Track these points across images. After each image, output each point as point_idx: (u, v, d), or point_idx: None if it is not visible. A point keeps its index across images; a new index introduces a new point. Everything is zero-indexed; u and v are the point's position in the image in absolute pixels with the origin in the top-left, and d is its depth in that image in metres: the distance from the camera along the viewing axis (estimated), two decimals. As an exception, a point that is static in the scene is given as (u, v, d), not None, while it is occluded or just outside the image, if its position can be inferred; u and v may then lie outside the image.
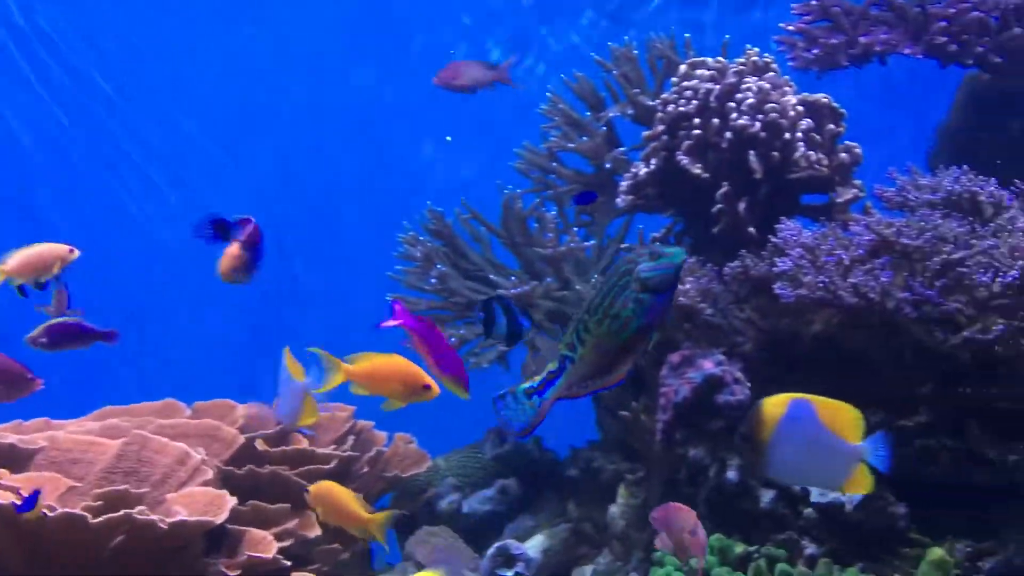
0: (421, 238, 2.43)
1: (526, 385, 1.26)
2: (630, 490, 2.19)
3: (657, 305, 1.24)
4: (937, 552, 1.76)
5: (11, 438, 1.80)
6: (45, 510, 1.52)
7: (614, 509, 2.16)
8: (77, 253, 1.92)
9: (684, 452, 2.00)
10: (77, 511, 1.54)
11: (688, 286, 2.06)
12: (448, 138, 6.51)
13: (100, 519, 1.54)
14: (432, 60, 3.07)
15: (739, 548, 1.85)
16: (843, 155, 2.24)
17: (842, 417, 1.45)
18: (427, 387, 1.59)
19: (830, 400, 1.47)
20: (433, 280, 2.36)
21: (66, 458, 1.82)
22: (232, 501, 1.72)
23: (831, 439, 1.43)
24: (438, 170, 6.64)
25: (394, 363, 1.63)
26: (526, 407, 1.26)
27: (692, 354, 2.00)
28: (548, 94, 2.53)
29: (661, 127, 2.25)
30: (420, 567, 2.09)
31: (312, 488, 1.81)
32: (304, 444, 2.13)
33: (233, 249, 1.64)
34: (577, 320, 1.26)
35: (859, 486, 1.46)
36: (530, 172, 2.54)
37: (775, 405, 1.45)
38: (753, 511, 1.93)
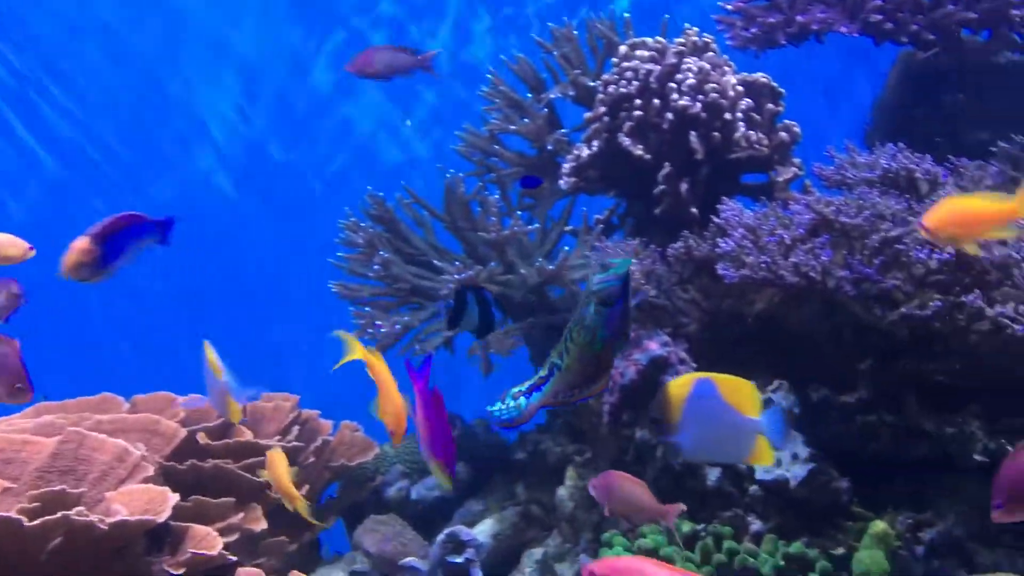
0: (363, 224, 2.39)
1: (515, 389, 1.33)
2: (578, 472, 2.19)
3: (612, 316, 1.29)
4: (879, 525, 1.80)
5: (-60, 440, 1.73)
6: (-22, 514, 1.47)
7: (562, 491, 2.17)
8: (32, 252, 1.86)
9: (631, 433, 2.01)
10: (12, 515, 1.49)
11: (632, 268, 2.06)
12: (408, 122, 6.48)
13: (36, 522, 1.49)
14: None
15: (686, 527, 1.87)
16: (782, 134, 2.26)
17: (742, 393, 1.50)
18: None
19: (730, 377, 1.52)
20: (376, 266, 2.33)
21: (0, 458, 1.76)
22: (174, 498, 1.67)
23: (734, 415, 1.48)
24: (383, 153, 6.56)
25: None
26: (511, 406, 1.34)
27: (637, 336, 2.01)
28: (489, 76, 2.51)
29: (602, 108, 2.25)
30: (369, 556, 2.08)
31: (269, 454, 1.81)
32: (248, 436, 2.10)
33: (81, 243, 1.51)
34: (567, 330, 1.33)
35: (761, 458, 1.51)
36: (472, 155, 2.52)
37: (680, 386, 1.51)
38: (700, 489, 1.95)
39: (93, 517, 1.54)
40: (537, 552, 2.08)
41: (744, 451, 1.51)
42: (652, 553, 1.84)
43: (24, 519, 1.48)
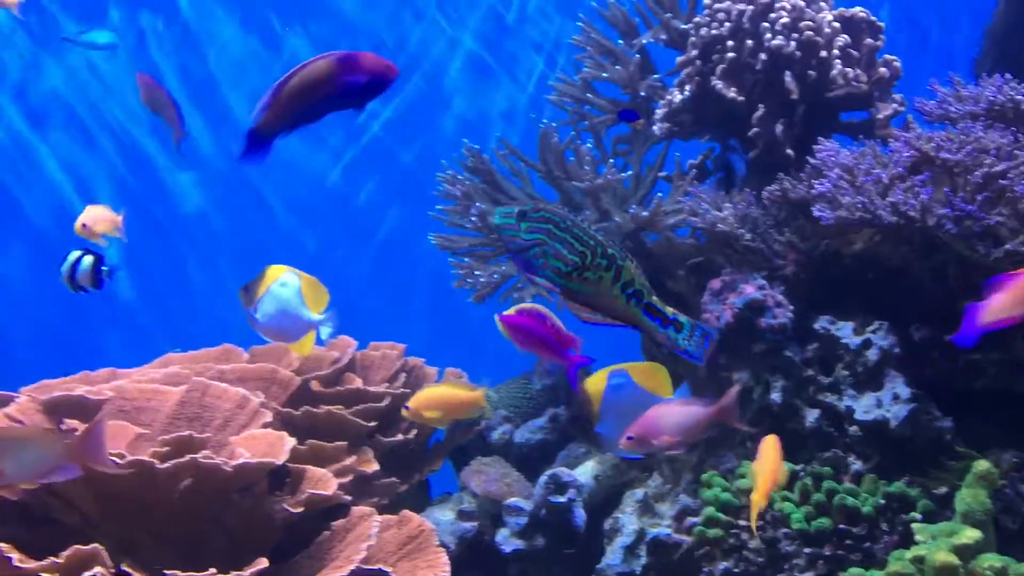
0: (460, 176, 2.45)
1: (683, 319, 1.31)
2: (677, 414, 2.22)
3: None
4: (983, 464, 1.77)
5: (80, 389, 1.87)
6: (115, 458, 1.60)
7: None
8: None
9: (728, 376, 2.03)
10: (146, 458, 1.61)
11: (726, 212, 2.06)
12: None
13: (168, 464, 1.61)
14: None
15: (785, 467, 1.89)
16: (882, 70, 2.20)
17: (654, 376, 1.62)
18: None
19: (639, 364, 1.66)
20: (474, 218, 2.39)
21: (133, 407, 1.89)
22: (291, 442, 1.78)
23: (650, 397, 1.59)
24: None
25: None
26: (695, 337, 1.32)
27: (733, 279, 2.02)
28: (579, 23, 2.51)
29: (694, 52, 2.23)
30: (475, 496, 2.16)
31: (411, 403, 1.98)
32: (358, 384, 2.20)
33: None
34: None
35: None
36: (565, 104, 2.54)
37: (595, 382, 1.62)
38: (799, 430, 1.96)
39: (218, 459, 1.65)
40: (638, 492, 2.13)
41: None
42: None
43: (156, 462, 1.61)
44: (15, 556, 1.46)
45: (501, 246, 1.32)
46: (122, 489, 1.64)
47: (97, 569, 1.45)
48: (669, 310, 1.30)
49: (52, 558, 1.46)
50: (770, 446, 1.62)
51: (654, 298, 1.28)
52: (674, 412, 1.60)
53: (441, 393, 2.02)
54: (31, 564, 1.46)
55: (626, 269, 1.26)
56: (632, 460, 2.16)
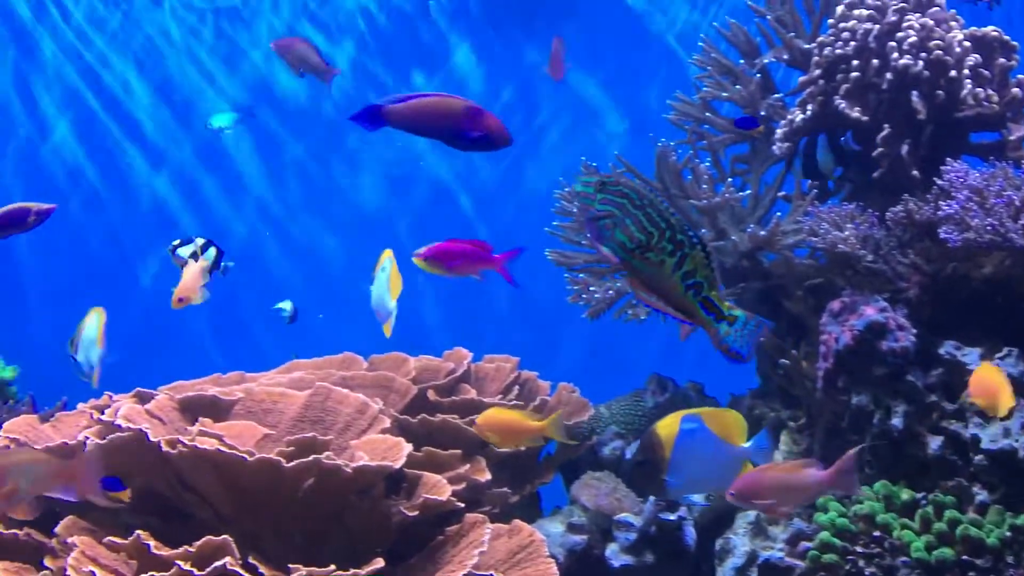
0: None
1: (739, 312, 1.29)
2: (793, 437, 2.20)
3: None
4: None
5: (213, 390, 1.97)
6: (245, 455, 1.68)
7: (777, 456, 2.17)
8: None
9: (847, 399, 1.99)
10: (273, 456, 1.69)
11: (847, 232, 2.03)
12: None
13: (293, 463, 1.68)
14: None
15: (905, 494, 1.84)
16: (1015, 90, 2.14)
17: (728, 423, 1.56)
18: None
19: (714, 409, 1.57)
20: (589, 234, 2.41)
21: (260, 408, 1.98)
22: (408, 448, 1.83)
23: (723, 446, 1.53)
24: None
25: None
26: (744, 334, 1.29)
27: (853, 300, 1.98)
28: (700, 44, 2.52)
29: (818, 71, 2.21)
30: (585, 510, 2.17)
31: (478, 419, 1.97)
32: (472, 394, 2.25)
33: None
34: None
35: None
36: (683, 123, 2.54)
37: (667, 426, 1.56)
38: (920, 457, 1.91)
39: (340, 461, 1.72)
40: (750, 514, 2.10)
41: (730, 479, 1.55)
42: (869, 519, 1.83)
43: (283, 461, 1.68)
44: (152, 543, 1.55)
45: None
46: (251, 487, 1.72)
47: (227, 559, 1.53)
48: (726, 306, 1.27)
49: (186, 547, 1.54)
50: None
51: (714, 293, 1.26)
52: (782, 475, 1.55)
53: (506, 418, 1.98)
54: (166, 552, 1.55)
55: (691, 258, 1.25)
56: (698, 506, 2.13)
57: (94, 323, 2.06)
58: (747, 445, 1.56)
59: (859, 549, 1.81)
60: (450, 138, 1.55)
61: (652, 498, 2.10)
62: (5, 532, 1.70)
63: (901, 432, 1.92)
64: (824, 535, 1.85)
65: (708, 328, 1.28)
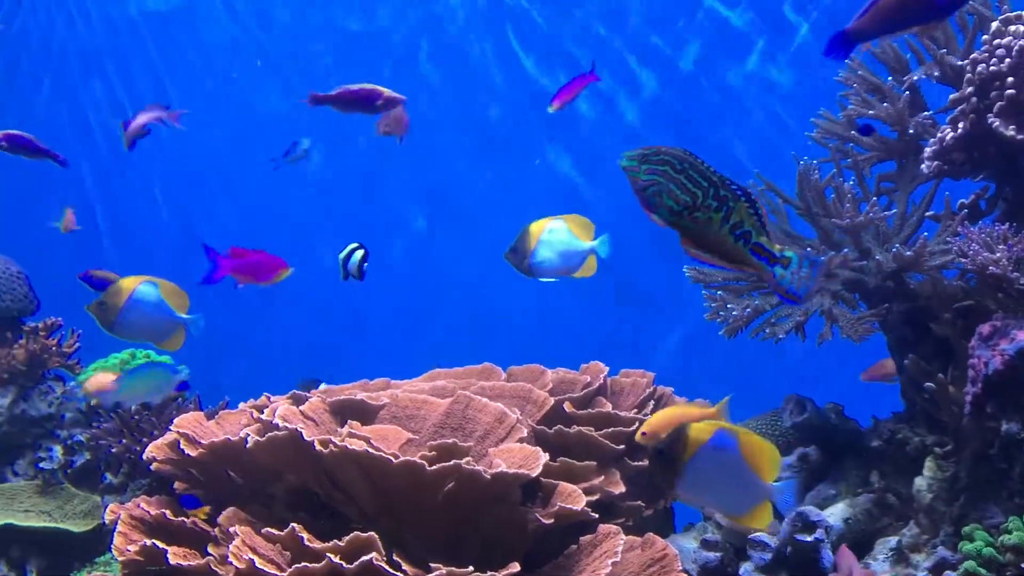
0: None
1: (790, 253, 1.33)
2: (938, 463, 2.14)
3: None
4: None
5: (361, 395, 2.08)
6: (390, 457, 1.77)
7: (920, 482, 2.12)
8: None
9: (996, 426, 1.93)
10: (416, 459, 1.77)
11: (999, 254, 1.97)
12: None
13: (434, 467, 1.75)
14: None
15: (1058, 528, 1.77)
16: None
17: (763, 455, 1.52)
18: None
19: (755, 436, 1.54)
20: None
21: (404, 414, 2.08)
22: (544, 457, 1.88)
23: (747, 474, 1.51)
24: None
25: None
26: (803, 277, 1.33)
27: (1004, 325, 1.92)
28: (848, 61, 2.48)
29: (970, 88, 2.16)
30: (720, 527, 2.18)
31: (646, 427, 2.03)
32: (608, 407, 2.28)
33: None
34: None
35: (756, 521, 1.55)
36: (827, 141, 2.51)
37: (700, 430, 1.53)
38: (1076, 490, 1.84)
39: (479, 467, 1.78)
40: (892, 540, 2.07)
41: (743, 508, 1.55)
42: (1018, 550, 1.77)
43: (425, 464, 1.76)
44: (305, 536, 1.65)
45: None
46: (394, 487, 1.80)
47: (373, 554, 1.61)
48: (777, 248, 1.31)
49: (336, 541, 1.64)
50: None
51: (763, 238, 1.30)
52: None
53: (675, 413, 2.03)
54: (318, 545, 1.64)
55: (736, 211, 1.29)
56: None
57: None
58: (772, 484, 1.55)
59: (1006, 581, 1.76)
60: (924, 14, 1.58)
61: (788, 518, 2.08)
62: (174, 519, 1.85)
63: (1055, 462, 1.85)
64: (970, 564, 1.79)
65: (763, 273, 1.32)
